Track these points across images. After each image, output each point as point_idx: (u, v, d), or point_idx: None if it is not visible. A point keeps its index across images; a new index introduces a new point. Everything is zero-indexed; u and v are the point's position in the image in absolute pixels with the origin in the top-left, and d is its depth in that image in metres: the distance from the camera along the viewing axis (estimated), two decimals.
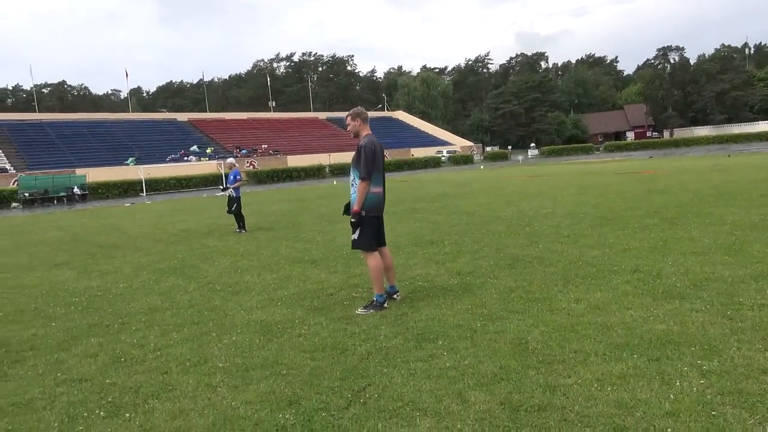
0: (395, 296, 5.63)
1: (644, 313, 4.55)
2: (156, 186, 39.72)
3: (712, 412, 2.90)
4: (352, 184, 5.49)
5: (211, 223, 14.73)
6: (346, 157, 54.74)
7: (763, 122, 71.34)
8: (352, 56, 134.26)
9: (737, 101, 78.12)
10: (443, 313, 5.05)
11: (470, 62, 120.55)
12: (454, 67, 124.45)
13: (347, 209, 5.55)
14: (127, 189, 38.95)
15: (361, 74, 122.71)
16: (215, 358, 4.37)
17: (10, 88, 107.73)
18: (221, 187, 12.33)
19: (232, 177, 12.54)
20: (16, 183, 37.57)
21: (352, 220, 5.37)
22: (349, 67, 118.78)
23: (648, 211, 10.43)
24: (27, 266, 9.71)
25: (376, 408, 3.27)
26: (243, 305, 5.94)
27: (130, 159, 47.21)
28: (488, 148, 78.52)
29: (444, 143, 68.18)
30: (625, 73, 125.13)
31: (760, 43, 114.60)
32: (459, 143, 69.15)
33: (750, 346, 3.71)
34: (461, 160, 57.23)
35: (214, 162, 46.56)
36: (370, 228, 5.38)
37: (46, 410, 3.64)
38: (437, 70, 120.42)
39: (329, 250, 9.05)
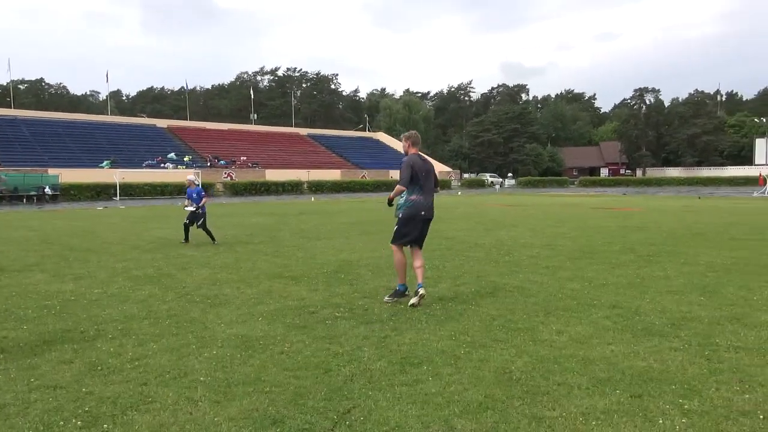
0: (415, 292, 6.26)
1: (625, 349, 4.63)
2: (130, 191, 39.08)
3: None
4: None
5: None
6: (325, 174, 54.76)
7: (732, 167, 73.54)
8: (337, 75, 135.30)
9: (708, 145, 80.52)
10: (426, 337, 5.05)
11: (453, 89, 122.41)
12: (436, 93, 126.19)
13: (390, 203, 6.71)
14: (100, 192, 38.25)
15: (344, 93, 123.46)
16: (196, 371, 4.29)
17: None
18: (194, 206, 12.37)
19: (196, 195, 12.56)
20: None
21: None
22: (332, 86, 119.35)
23: (624, 248, 10.64)
24: None
25: (362, 431, 3.25)
26: (222, 318, 5.85)
27: (106, 162, 46.41)
28: (466, 175, 79.33)
29: None
30: (602, 111, 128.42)
31: (732, 91, 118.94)
32: (438, 168, 69.78)
33: (728, 388, 3.79)
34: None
35: (192, 170, 46.11)
36: (403, 226, 6.40)
37: (19, 417, 3.52)
38: (420, 94, 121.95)
39: (310, 267, 9.00)
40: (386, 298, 6.46)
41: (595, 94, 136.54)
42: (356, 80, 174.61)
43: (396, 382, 3.99)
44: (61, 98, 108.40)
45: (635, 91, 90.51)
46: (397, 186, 6.38)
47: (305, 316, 5.90)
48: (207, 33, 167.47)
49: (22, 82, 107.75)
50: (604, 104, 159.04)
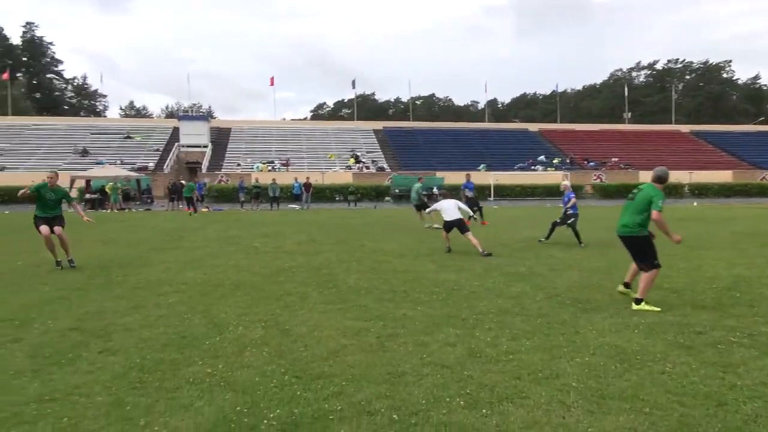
0: None
1: None
2: (503, 192, 41.64)
3: None
4: None
5: (557, 235, 14.61)
6: (712, 176, 48.03)
7: None
8: (730, 62, 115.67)
9: None
10: None
11: None
12: None
13: None
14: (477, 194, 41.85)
15: (738, 82, 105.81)
16: (567, 375, 4.22)
17: (392, 101, 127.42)
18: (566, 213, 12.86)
19: (566, 198, 13.13)
20: (390, 180, 44.11)
21: None
22: (724, 75, 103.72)
23: None
24: (397, 253, 11.20)
25: None
26: (594, 325, 5.64)
27: (482, 165, 50.51)
28: None
29: None
30: None
31: None
32: None
33: None
34: None
35: (560, 173, 46.38)
36: None
37: (414, 386, 4.04)
38: None
39: (694, 280, 7.98)
40: None
41: None
42: (756, 66, 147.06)
43: None
44: (447, 110, 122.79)
45: None
46: None
47: (690, 336, 5.21)
48: (580, 33, 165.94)
49: (419, 98, 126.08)
50: None
